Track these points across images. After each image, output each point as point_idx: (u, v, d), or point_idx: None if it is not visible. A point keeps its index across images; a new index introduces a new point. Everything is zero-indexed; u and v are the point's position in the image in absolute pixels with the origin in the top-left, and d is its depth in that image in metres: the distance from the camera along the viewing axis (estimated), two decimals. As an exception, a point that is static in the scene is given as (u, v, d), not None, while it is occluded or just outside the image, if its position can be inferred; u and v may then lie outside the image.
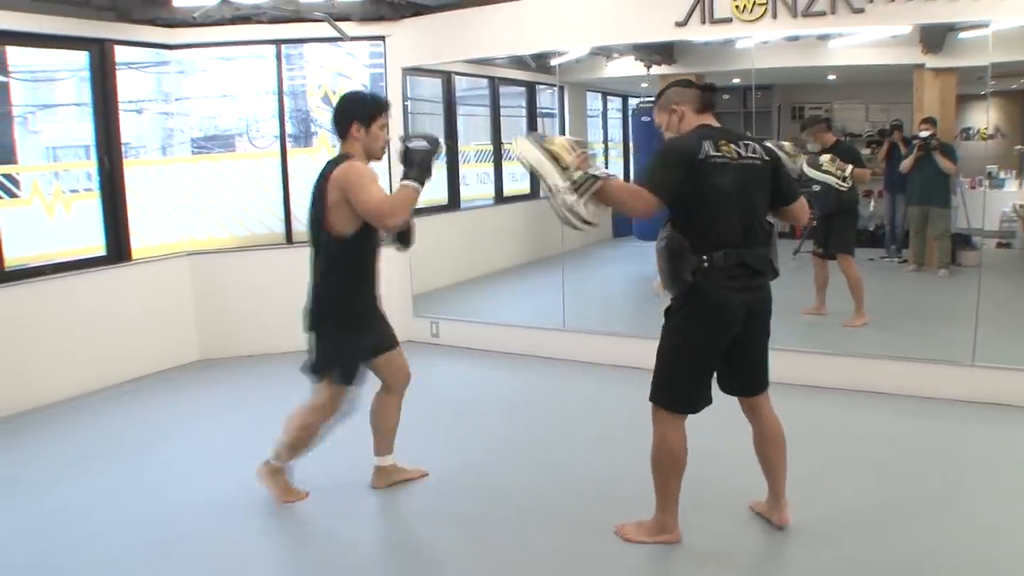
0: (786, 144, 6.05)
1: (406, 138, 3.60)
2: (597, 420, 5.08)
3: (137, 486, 4.24)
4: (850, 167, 6.19)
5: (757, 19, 5.38)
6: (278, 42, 6.66)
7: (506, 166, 8.78)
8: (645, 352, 5.95)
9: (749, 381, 3.36)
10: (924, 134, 6.83)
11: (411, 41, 6.69)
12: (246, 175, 6.86)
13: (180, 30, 6.40)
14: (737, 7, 5.40)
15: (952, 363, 5.19)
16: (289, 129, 6.87)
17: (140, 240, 6.34)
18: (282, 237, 6.89)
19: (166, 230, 6.59)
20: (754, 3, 5.36)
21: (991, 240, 8.43)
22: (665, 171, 3.06)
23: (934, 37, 6.57)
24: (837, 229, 6.33)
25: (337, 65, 6.98)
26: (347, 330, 3.71)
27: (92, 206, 6.08)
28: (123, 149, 6.21)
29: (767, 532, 3.45)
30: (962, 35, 6.12)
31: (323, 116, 6.98)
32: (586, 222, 3.04)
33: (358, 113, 3.66)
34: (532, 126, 9.09)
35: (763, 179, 3.19)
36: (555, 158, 3.05)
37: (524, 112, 9.15)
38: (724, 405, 3.35)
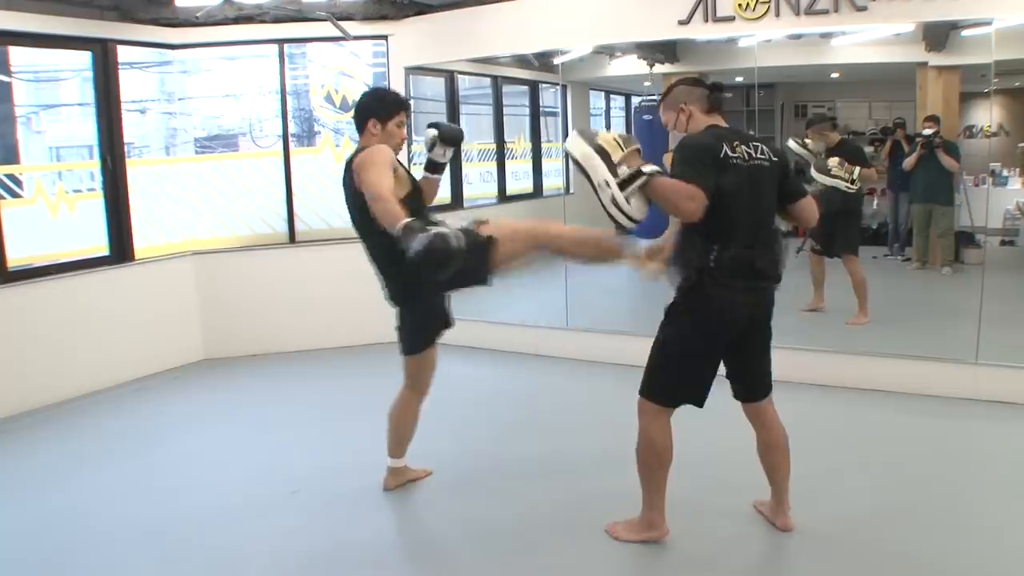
0: (809, 142, 6.05)
1: (442, 128, 3.74)
2: (599, 418, 5.08)
3: (141, 486, 4.25)
4: (858, 169, 6.19)
5: (760, 17, 5.37)
6: (281, 42, 6.67)
7: (509, 165, 8.77)
8: (648, 351, 5.99)
9: (751, 387, 3.34)
10: (927, 132, 6.82)
11: (414, 40, 6.69)
12: (249, 175, 6.86)
13: (183, 30, 6.41)
14: (740, 5, 5.39)
15: (956, 361, 5.18)
16: (292, 128, 6.88)
17: (144, 240, 6.34)
18: (285, 236, 6.89)
19: (170, 230, 6.60)
20: (757, 1, 5.35)
21: (995, 238, 8.41)
22: (703, 167, 2.98)
23: (937, 35, 6.56)
24: (841, 229, 6.32)
25: (340, 64, 6.98)
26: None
27: (95, 206, 6.08)
28: (126, 149, 6.21)
29: (768, 533, 3.44)
30: (965, 33, 6.11)
31: (326, 116, 6.99)
32: (630, 218, 3.01)
33: (375, 110, 3.68)
34: (535, 125, 9.08)
35: (772, 180, 3.16)
36: (604, 153, 3.01)
37: (527, 111, 9.14)
38: (720, 402, 3.32)
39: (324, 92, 6.94)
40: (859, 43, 6.59)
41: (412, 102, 6.73)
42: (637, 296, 8.56)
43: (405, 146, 4.04)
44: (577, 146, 3.07)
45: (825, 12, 5.19)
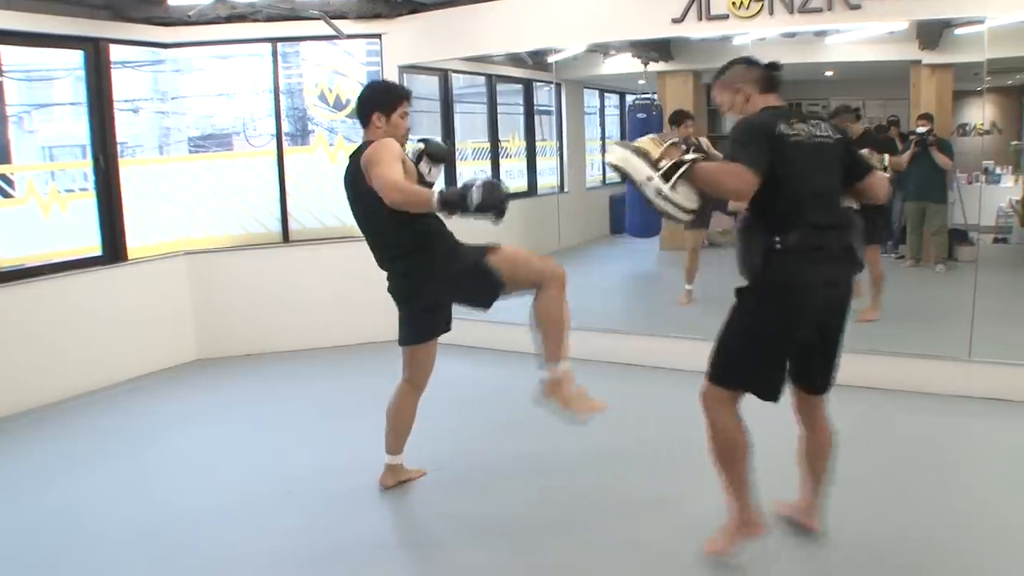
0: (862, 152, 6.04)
1: (430, 145, 3.69)
2: (594, 417, 5.08)
3: (134, 486, 4.24)
4: (887, 156, 6.17)
5: (753, 15, 5.37)
6: (274, 40, 6.65)
7: (503, 164, 8.78)
8: (643, 348, 6.01)
9: (810, 378, 3.16)
10: (921, 130, 6.84)
11: (408, 39, 6.68)
12: (243, 174, 6.85)
13: (176, 28, 6.39)
14: (734, 3, 5.39)
15: (949, 358, 5.19)
16: (286, 128, 6.86)
17: (137, 239, 6.33)
18: (279, 236, 6.88)
19: (163, 229, 6.58)
20: (750, -1, 5.36)
21: (987, 235, 8.45)
22: (753, 145, 2.86)
23: (930, 33, 6.58)
24: (871, 218, 6.32)
25: (334, 63, 6.97)
26: (446, 255, 3.65)
27: (88, 206, 6.06)
28: (119, 148, 6.19)
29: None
30: (958, 31, 6.13)
31: (320, 115, 6.98)
32: (681, 208, 2.93)
33: (379, 103, 3.67)
34: (529, 124, 9.08)
35: (836, 158, 3.03)
36: (642, 153, 2.96)
37: (522, 109, 9.14)
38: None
39: (318, 91, 6.93)
40: (853, 41, 6.62)
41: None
42: (631, 295, 8.60)
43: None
44: (615, 152, 3.03)
45: (819, 10, 5.19)
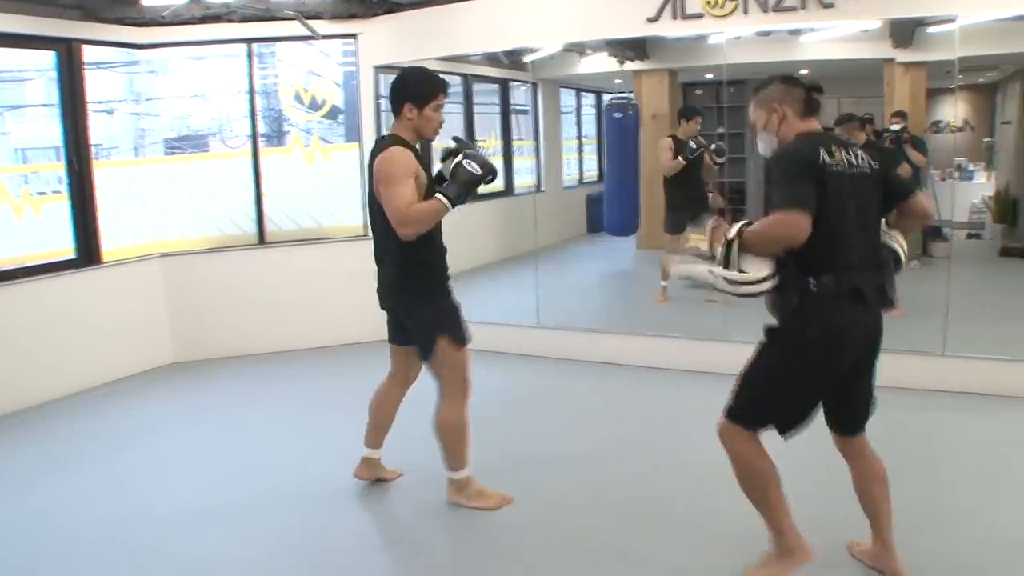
0: None
1: (464, 146, 3.54)
2: (572, 415, 5.10)
3: (112, 490, 4.20)
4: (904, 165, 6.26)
5: (728, 14, 5.40)
6: (249, 41, 6.62)
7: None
8: (620, 347, 6.03)
9: (851, 419, 3.01)
10: (895, 127, 6.90)
11: (383, 39, 6.67)
12: (219, 175, 6.81)
13: (149, 29, 6.34)
14: (708, 2, 5.41)
15: (924, 353, 5.24)
16: (261, 128, 6.84)
17: (111, 242, 6.28)
18: (255, 237, 6.85)
19: (138, 232, 6.53)
20: (725, -2, 5.38)
21: (961, 231, 8.53)
22: (799, 182, 2.68)
23: (903, 32, 6.64)
24: None
25: (309, 64, 6.95)
26: (439, 291, 3.67)
27: (62, 208, 6.00)
28: (93, 150, 6.15)
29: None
30: (930, 30, 6.18)
31: (296, 115, 6.95)
32: (753, 282, 2.73)
33: (412, 93, 3.53)
34: (506, 123, 9.08)
35: (875, 190, 2.84)
36: (698, 254, 2.85)
37: (498, 109, 9.15)
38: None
39: (293, 92, 6.91)
40: (827, 40, 6.66)
41: (382, 101, 6.71)
42: (608, 294, 8.62)
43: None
44: (679, 271, 2.91)
45: (793, 9, 5.22)
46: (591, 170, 10.94)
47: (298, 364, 6.46)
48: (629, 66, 8.30)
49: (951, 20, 5.13)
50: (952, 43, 5.19)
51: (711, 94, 9.01)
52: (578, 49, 7.70)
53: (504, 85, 8.93)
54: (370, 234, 3.80)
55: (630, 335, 6.16)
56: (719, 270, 2.75)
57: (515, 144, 9.21)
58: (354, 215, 6.91)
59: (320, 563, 3.40)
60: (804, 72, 7.74)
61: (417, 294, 3.64)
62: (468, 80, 8.58)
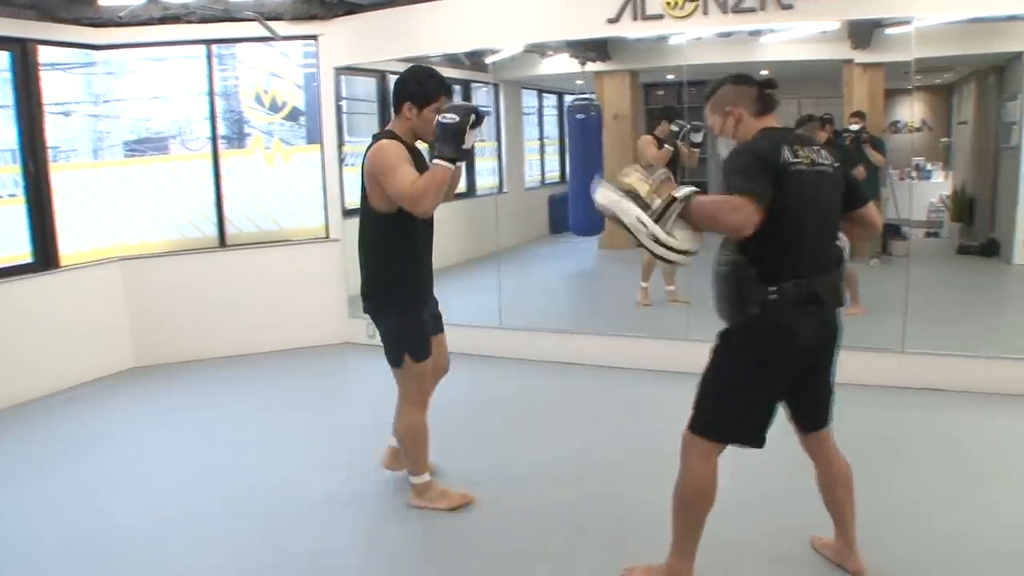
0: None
1: (440, 111, 3.40)
2: (535, 416, 5.10)
3: (73, 497, 4.13)
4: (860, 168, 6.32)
5: (688, 15, 5.43)
6: (209, 42, 6.56)
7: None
8: (583, 347, 6.04)
9: (811, 416, 2.99)
10: (854, 127, 6.97)
11: (344, 40, 6.64)
12: (179, 178, 6.74)
13: (107, 30, 6.26)
14: (668, 3, 5.44)
15: (884, 350, 5.30)
16: (222, 130, 6.77)
17: (70, 246, 6.19)
18: (215, 240, 6.78)
19: (97, 235, 6.44)
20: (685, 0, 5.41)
21: (920, 230, 8.64)
22: (756, 176, 2.60)
23: (862, 33, 6.71)
24: None
25: (270, 65, 6.90)
26: (405, 304, 3.62)
27: (18, 212, 5.90)
28: (51, 153, 6.05)
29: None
30: (888, 31, 6.26)
31: (256, 117, 6.89)
32: (678, 251, 2.66)
33: (412, 93, 3.50)
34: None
35: (837, 189, 2.80)
36: (632, 193, 2.72)
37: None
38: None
39: (254, 93, 6.85)
40: (787, 41, 6.72)
41: (344, 103, 6.68)
42: (572, 294, 8.63)
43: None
44: (603, 195, 2.77)
45: (752, 10, 5.26)
46: (553, 171, 10.96)
47: (260, 367, 6.41)
48: (591, 67, 8.32)
49: (908, 22, 5.20)
50: (909, 44, 5.26)
51: (672, 95, 9.05)
52: (539, 50, 7.71)
53: (466, 87, 8.91)
54: (331, 236, 3.77)
55: (593, 335, 6.18)
56: (650, 223, 2.65)
57: (477, 145, 9.19)
58: (315, 217, 6.86)
59: (286, 565, 3.37)
60: (764, 73, 7.82)
61: (386, 303, 3.62)
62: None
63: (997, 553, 3.22)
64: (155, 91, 6.80)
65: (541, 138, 10.58)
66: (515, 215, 9.62)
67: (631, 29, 5.70)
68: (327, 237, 6.81)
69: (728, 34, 6.15)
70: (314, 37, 6.70)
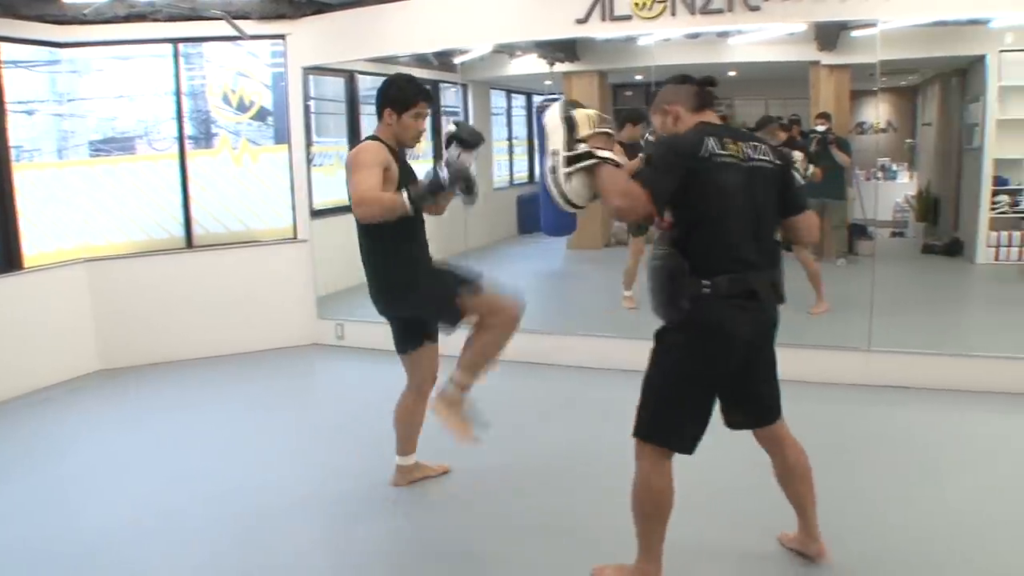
0: (796, 154, 6.12)
1: (458, 136, 3.46)
2: (505, 417, 5.09)
3: (40, 502, 4.08)
4: (812, 167, 6.35)
5: (656, 16, 5.46)
6: (175, 41, 6.50)
7: (411, 165, 8.73)
8: (551, 347, 6.04)
9: (758, 412, 3.01)
10: (820, 128, 7.03)
11: (312, 40, 6.61)
12: (145, 178, 6.68)
13: (71, 27, 6.19)
14: (636, 4, 5.47)
15: (849, 349, 5.36)
16: (189, 130, 6.72)
17: (34, 247, 6.11)
18: (183, 241, 6.73)
19: (62, 236, 6.37)
20: (653, 1, 5.43)
21: (885, 230, 8.75)
22: (663, 171, 2.64)
23: (828, 35, 6.77)
24: None
25: (238, 65, 6.85)
26: (424, 272, 3.66)
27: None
28: (13, 152, 5.97)
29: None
30: (854, 33, 6.32)
31: (224, 117, 6.85)
32: (566, 198, 2.73)
33: (393, 99, 3.58)
34: (435, 125, 9.05)
35: (773, 186, 2.80)
36: (571, 126, 2.75)
37: (428, 111, 9.10)
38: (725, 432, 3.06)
39: (221, 93, 6.80)
40: (754, 42, 6.77)
41: (312, 103, 6.65)
42: (541, 294, 8.63)
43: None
44: (551, 115, 2.82)
45: (719, 12, 5.30)
46: (522, 171, 10.96)
47: (229, 369, 6.36)
48: (559, 67, 8.32)
49: (873, 24, 5.26)
50: (874, 46, 5.32)
51: (641, 96, 9.08)
52: (508, 51, 7.71)
53: (434, 87, 8.88)
54: (299, 237, 3.76)
55: (564, 335, 6.19)
56: (561, 159, 2.73)
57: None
58: (283, 218, 6.83)
59: (261, 566, 3.36)
60: (732, 74, 7.88)
61: (407, 283, 3.63)
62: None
63: (948, 552, 3.25)
64: (121, 90, 6.72)
65: (510, 138, 10.57)
66: (483, 215, 9.58)
67: (600, 30, 5.71)
68: (295, 238, 6.77)
69: (696, 35, 6.18)
70: (282, 36, 6.67)
